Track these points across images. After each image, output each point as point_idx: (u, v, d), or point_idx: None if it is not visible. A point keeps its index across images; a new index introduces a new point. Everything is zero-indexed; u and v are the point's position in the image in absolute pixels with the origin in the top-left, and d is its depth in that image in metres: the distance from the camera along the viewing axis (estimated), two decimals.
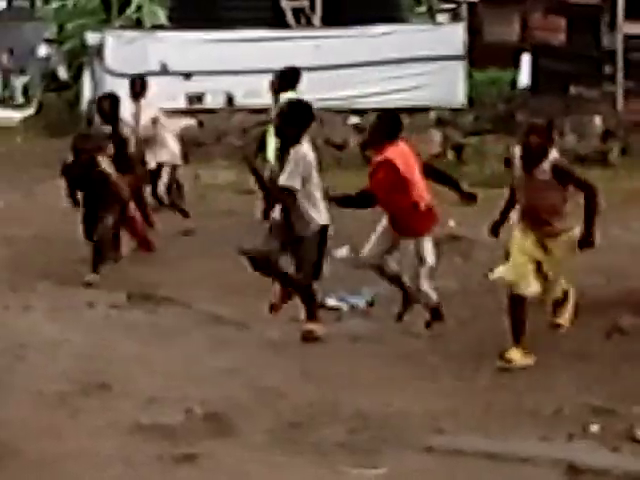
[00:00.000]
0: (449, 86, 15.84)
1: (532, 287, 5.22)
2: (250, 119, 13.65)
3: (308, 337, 5.54)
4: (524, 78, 16.27)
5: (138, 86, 9.42)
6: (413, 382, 5.39)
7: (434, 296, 6.01)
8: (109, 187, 7.46)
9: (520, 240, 5.32)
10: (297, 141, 5.56)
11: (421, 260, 5.86)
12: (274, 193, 5.81)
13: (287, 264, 5.82)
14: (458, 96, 15.98)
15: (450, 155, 14.91)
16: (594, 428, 4.13)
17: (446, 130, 15.11)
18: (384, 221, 6.01)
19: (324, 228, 5.58)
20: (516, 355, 5.04)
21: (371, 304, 7.40)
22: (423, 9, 19.45)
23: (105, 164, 7.64)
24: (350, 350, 6.30)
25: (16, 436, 3.77)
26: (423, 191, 5.82)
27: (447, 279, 7.78)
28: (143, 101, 9.74)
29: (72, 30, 18.51)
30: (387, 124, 6.08)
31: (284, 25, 16.37)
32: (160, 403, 4.46)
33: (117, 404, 4.35)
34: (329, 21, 16.02)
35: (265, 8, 16.54)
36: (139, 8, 16.74)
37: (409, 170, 5.71)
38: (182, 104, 14.21)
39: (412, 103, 14.97)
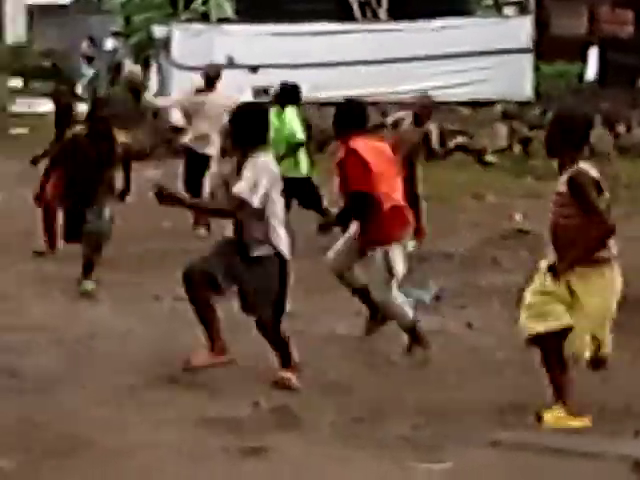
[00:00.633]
0: (516, 79, 15.73)
1: (561, 319, 4.14)
2: (316, 113, 13.29)
3: (282, 386, 4.56)
4: (592, 71, 16.04)
5: (213, 75, 9.47)
6: (479, 377, 5.41)
7: (409, 313, 5.38)
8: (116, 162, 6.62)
9: (539, 277, 4.27)
10: (254, 147, 4.60)
11: (390, 272, 5.30)
12: (227, 204, 4.65)
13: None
14: (525, 89, 15.88)
15: (516, 149, 14.91)
16: None
17: (513, 124, 15.04)
18: (353, 227, 5.56)
19: (284, 260, 4.53)
20: (551, 416, 4.07)
21: (437, 298, 7.15)
22: (490, 1, 18.51)
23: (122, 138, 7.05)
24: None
25: (87, 428, 3.85)
26: (393, 190, 5.29)
27: (515, 274, 7.72)
28: (215, 92, 9.72)
29: (139, 23, 18.45)
30: (350, 114, 5.74)
31: (350, 18, 16.41)
32: (227, 396, 4.49)
33: (184, 397, 4.41)
34: (395, 14, 15.97)
35: (331, 1, 16.77)
36: (206, 1, 16.72)
37: (377, 164, 5.28)
38: (249, 97, 14.24)
39: (478, 96, 15.08)
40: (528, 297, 4.33)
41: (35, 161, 8.19)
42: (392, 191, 5.21)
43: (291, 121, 8.76)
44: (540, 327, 4.08)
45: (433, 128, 10.09)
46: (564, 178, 3.88)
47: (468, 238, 9.71)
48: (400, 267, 5.29)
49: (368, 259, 5.39)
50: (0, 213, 10.08)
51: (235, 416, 4.18)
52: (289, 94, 8.31)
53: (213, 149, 9.22)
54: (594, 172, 3.91)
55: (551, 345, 4.04)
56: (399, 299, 5.30)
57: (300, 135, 8.98)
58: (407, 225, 5.36)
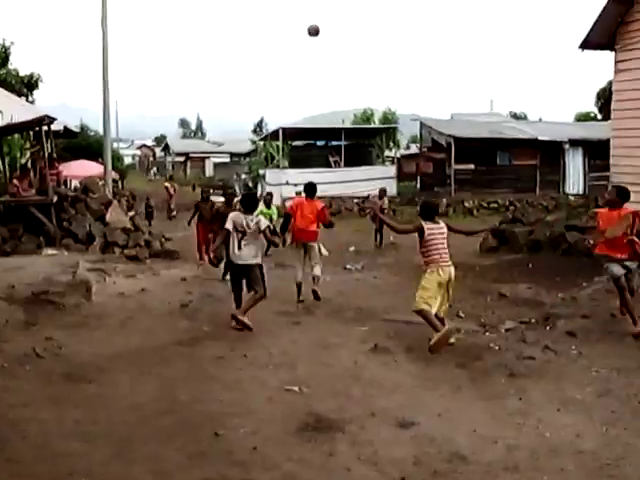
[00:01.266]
0: (390, 186, 31.40)
1: (434, 308, 7.21)
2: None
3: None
4: (418, 185, 37.67)
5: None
6: (376, 296, 10.67)
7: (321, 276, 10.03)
8: None
9: (433, 272, 7.33)
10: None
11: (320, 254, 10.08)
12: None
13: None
14: (394, 190, 33.89)
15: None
16: None
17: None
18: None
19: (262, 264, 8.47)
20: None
21: (362, 267, 14.07)
22: (381, 160, 37.18)
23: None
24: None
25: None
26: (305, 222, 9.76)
27: (391, 258, 16.18)
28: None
29: (254, 168, 37.53)
30: (309, 189, 10.34)
31: (330, 166, 34.19)
32: (284, 303, 9.51)
33: (270, 304, 9.07)
34: (347, 165, 33.53)
35: (323, 159, 35.72)
36: (276, 159, 36.73)
37: (296, 209, 10.09)
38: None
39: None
40: (426, 282, 7.26)
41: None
42: (302, 222, 9.78)
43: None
44: (424, 307, 7.11)
45: (385, 200, 20.02)
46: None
47: (371, 245, 19.24)
48: (324, 251, 10.39)
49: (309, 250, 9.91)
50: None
51: (288, 310, 9.30)
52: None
53: None
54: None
55: (425, 315, 7.10)
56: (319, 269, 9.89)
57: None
58: (300, 237, 9.92)
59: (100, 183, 20.24)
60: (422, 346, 7.47)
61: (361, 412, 5.75)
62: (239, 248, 8.04)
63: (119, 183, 32.27)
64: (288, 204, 12.51)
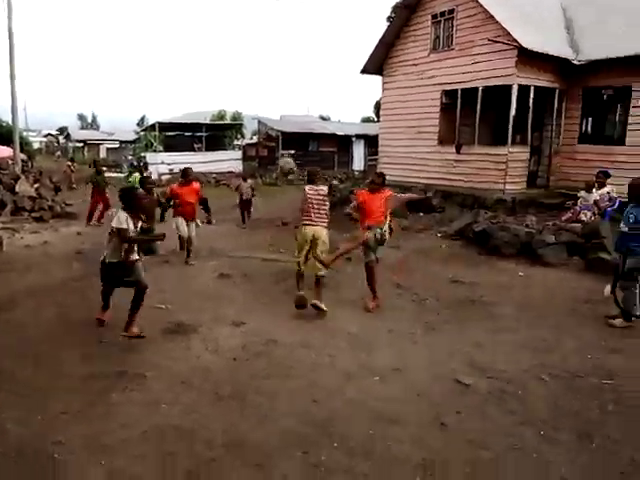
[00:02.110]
0: (237, 166, 34.83)
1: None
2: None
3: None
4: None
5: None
6: (224, 240, 13.98)
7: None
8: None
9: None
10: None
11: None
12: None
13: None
14: (240, 169, 35.44)
15: None
16: None
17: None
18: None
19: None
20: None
21: None
22: (232, 145, 36.74)
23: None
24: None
25: None
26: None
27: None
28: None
29: (138, 152, 35.41)
30: (184, 174, 8.51)
31: (194, 150, 33.85)
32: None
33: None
34: (207, 149, 32.57)
35: (188, 144, 34.55)
36: (153, 144, 36.05)
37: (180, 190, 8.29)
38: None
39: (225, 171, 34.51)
40: (296, 239, 6.15)
41: None
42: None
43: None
44: (296, 268, 6.09)
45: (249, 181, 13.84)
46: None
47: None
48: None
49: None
50: None
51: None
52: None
53: None
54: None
55: (297, 274, 6.02)
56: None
57: None
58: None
59: (11, 163, 18.31)
60: (253, 273, 7.64)
61: (208, 318, 5.83)
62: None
63: (29, 163, 29.16)
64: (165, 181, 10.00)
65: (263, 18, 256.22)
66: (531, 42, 12.16)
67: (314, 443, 3.40)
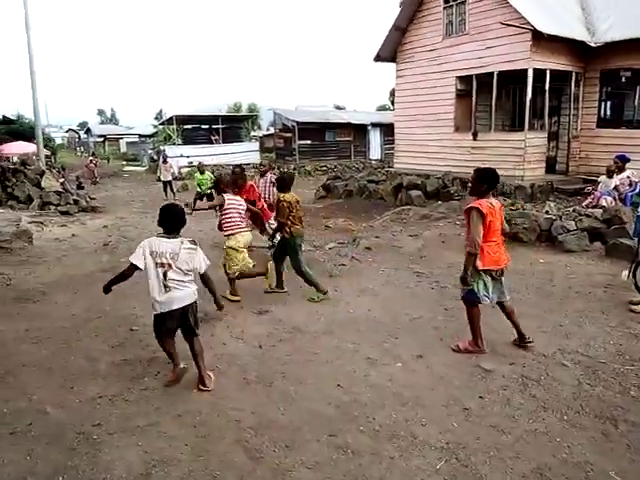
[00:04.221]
0: (253, 158, 33.73)
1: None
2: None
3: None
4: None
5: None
6: None
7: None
8: None
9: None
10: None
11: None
12: None
13: None
14: (257, 159, 35.62)
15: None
16: None
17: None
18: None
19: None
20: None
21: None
22: (249, 137, 37.16)
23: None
24: None
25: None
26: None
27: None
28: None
29: (157, 145, 35.97)
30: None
31: (211, 143, 34.75)
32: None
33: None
34: (225, 141, 32.78)
35: (206, 137, 34.12)
36: (171, 137, 36.30)
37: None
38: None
39: (249, 162, 34.43)
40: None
41: None
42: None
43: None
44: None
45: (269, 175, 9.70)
46: None
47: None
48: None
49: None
50: None
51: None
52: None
53: None
54: None
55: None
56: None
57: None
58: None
59: (35, 158, 18.74)
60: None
61: (234, 307, 5.90)
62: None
63: (52, 158, 29.87)
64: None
65: (277, 9, 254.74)
66: (546, 25, 11.92)
67: (340, 426, 3.46)
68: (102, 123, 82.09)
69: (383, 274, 7.14)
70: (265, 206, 7.66)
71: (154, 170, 27.20)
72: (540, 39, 12.00)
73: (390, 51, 16.35)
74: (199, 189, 13.86)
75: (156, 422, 3.49)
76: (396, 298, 6.13)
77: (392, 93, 39.56)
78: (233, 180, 6.31)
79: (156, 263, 3.63)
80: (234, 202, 5.98)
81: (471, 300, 4.39)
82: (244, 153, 32.47)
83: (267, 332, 5.13)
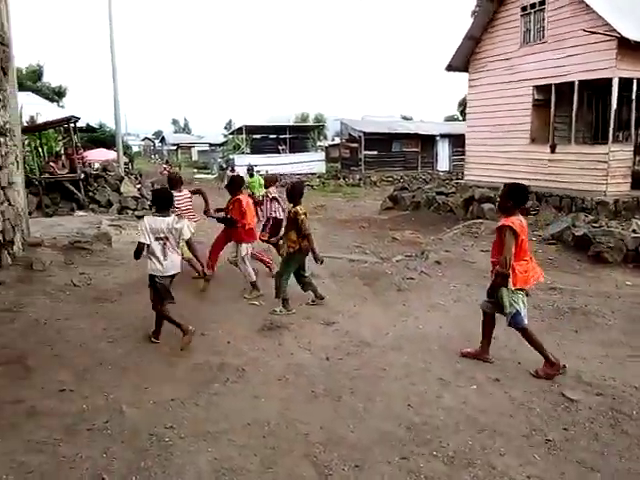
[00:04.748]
0: (319, 168, 35.08)
1: None
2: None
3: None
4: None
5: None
6: None
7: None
8: None
9: None
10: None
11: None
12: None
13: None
14: (322, 170, 35.34)
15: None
16: None
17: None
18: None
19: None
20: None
21: None
22: (316, 147, 37.32)
23: None
24: None
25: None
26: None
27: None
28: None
29: (226, 154, 36.59)
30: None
31: (278, 152, 35.89)
32: None
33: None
34: (291, 151, 33.49)
35: (273, 146, 34.91)
36: (240, 147, 37.35)
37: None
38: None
39: (312, 172, 34.81)
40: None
41: None
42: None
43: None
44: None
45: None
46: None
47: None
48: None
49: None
50: None
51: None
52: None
53: None
54: None
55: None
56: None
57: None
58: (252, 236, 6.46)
59: (115, 165, 19.93)
60: (340, 273, 7.63)
61: (300, 317, 5.90)
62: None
63: (129, 165, 31.50)
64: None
65: (347, 20, 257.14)
66: (633, 31, 11.22)
67: (412, 449, 3.31)
68: (176, 132, 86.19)
69: (454, 290, 6.88)
70: (253, 226, 6.65)
71: (222, 178, 27.90)
72: (626, 46, 11.33)
73: (462, 61, 16.01)
74: (249, 192, 13.97)
75: (225, 429, 3.49)
76: (469, 316, 5.85)
77: (462, 103, 38.83)
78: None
79: (156, 237, 4.52)
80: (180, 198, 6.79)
81: (519, 323, 4.26)
82: (310, 163, 32.93)
83: (334, 344, 5.06)
